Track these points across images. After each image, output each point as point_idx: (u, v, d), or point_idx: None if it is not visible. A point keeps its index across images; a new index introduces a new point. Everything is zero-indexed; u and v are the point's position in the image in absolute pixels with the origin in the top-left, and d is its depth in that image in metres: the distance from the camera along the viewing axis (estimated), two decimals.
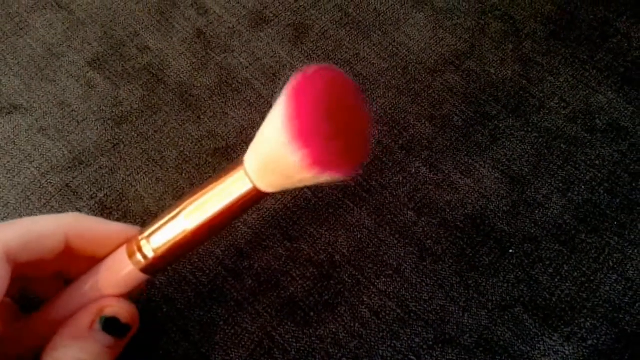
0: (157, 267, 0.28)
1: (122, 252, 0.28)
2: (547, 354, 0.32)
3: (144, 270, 0.28)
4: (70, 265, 0.29)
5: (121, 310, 0.28)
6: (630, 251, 0.35)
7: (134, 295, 0.30)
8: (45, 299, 0.30)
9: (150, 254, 0.27)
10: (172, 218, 0.27)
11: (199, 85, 0.40)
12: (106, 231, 0.29)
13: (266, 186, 0.26)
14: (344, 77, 0.26)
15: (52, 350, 0.26)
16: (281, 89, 0.38)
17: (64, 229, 0.28)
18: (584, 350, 0.32)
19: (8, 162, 0.38)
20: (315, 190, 0.37)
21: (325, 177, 0.24)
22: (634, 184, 0.37)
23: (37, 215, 0.36)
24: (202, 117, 0.39)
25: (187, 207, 0.27)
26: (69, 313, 0.28)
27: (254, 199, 0.27)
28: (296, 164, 0.23)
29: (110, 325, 0.27)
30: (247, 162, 0.26)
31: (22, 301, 0.30)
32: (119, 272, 0.28)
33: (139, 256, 0.27)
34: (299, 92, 0.24)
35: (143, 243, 0.28)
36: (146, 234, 0.28)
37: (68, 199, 0.37)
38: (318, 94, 0.24)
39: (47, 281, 0.30)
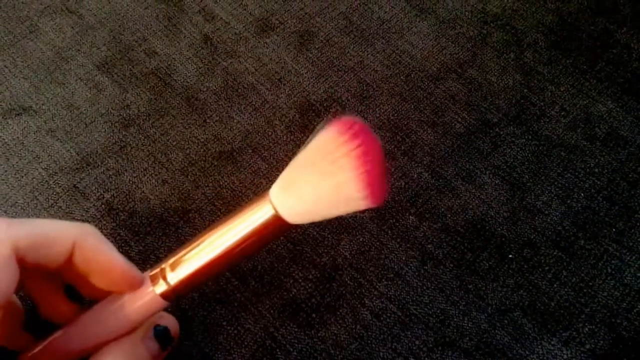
0: (178, 294, 0.29)
1: (147, 280, 0.29)
2: (545, 357, 0.33)
3: (166, 296, 0.28)
4: (77, 278, 0.29)
5: (170, 323, 0.30)
6: (628, 258, 0.35)
7: None
8: (33, 298, 0.30)
9: (174, 282, 0.28)
10: (196, 247, 0.28)
11: (205, 89, 0.41)
12: (108, 259, 0.29)
13: (291, 215, 0.26)
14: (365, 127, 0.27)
15: (100, 356, 0.28)
16: (288, 93, 0.38)
17: (72, 238, 0.27)
18: (582, 355, 0.33)
19: (17, 162, 0.38)
20: None
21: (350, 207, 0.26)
22: (632, 192, 0.37)
23: (44, 215, 0.37)
24: (207, 120, 0.40)
25: (209, 238, 0.28)
26: (96, 336, 0.29)
27: (279, 227, 0.27)
28: (354, 198, 0.25)
29: (162, 333, 0.29)
30: (272, 191, 0.27)
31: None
32: (143, 299, 0.29)
33: (162, 283, 0.28)
34: (362, 153, 0.25)
35: (167, 271, 0.28)
36: (171, 261, 0.28)
37: (75, 199, 0.37)
38: (374, 154, 0.25)
39: (39, 284, 0.30)
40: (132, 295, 0.29)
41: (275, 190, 0.26)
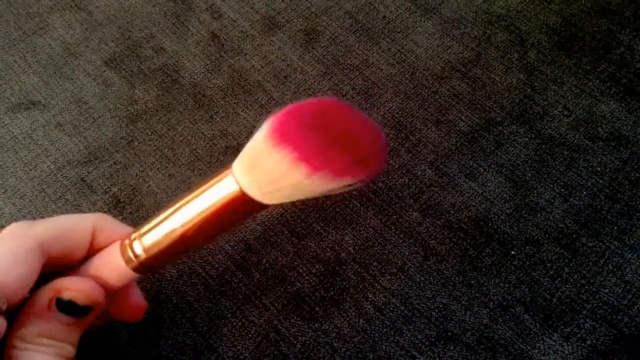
0: (146, 266, 0.28)
1: (115, 247, 0.28)
2: (546, 353, 0.33)
3: (134, 268, 0.28)
4: None
5: (78, 293, 0.27)
6: (630, 255, 0.36)
7: (127, 321, 0.31)
8: None
9: (141, 253, 0.27)
10: (163, 219, 0.27)
11: (212, 86, 0.42)
12: (125, 233, 0.30)
13: (256, 190, 0.25)
14: (347, 105, 0.25)
15: (17, 328, 0.27)
16: (294, 90, 0.39)
17: (91, 224, 0.29)
18: (583, 350, 0.33)
19: (25, 155, 0.39)
20: None
21: (296, 166, 0.23)
22: (634, 191, 0.38)
23: (52, 207, 0.37)
24: (214, 116, 0.40)
25: (176, 210, 0.27)
26: None
27: (245, 204, 0.26)
28: (280, 158, 0.23)
29: (67, 306, 0.27)
30: (234, 166, 0.26)
31: None
32: (108, 265, 0.28)
33: (129, 253, 0.28)
34: (291, 106, 0.24)
35: (135, 242, 0.28)
36: (138, 232, 0.28)
37: (83, 192, 0.38)
38: (310, 107, 0.24)
39: None
40: (100, 263, 0.29)
41: (237, 162, 0.25)
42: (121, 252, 0.28)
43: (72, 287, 0.28)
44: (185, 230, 0.27)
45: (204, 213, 0.26)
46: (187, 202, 0.27)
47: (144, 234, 0.28)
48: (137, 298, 0.31)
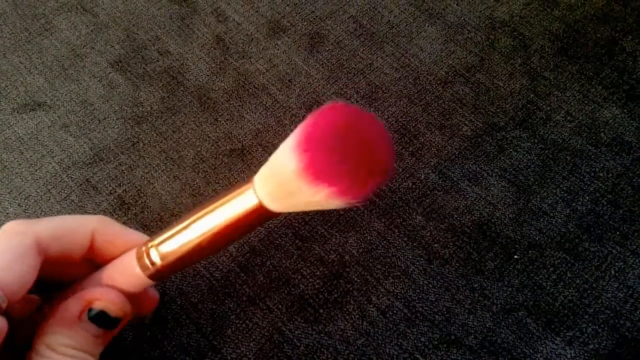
0: (162, 274, 0.28)
1: (131, 255, 0.29)
2: (549, 357, 0.33)
3: (150, 275, 0.28)
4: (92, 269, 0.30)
5: (110, 304, 0.28)
6: (632, 260, 0.36)
7: (139, 315, 0.31)
8: None
9: (157, 261, 0.28)
10: (181, 229, 0.28)
11: (217, 88, 0.42)
12: (127, 236, 0.30)
13: (269, 199, 0.26)
14: (375, 119, 0.25)
15: (44, 335, 0.27)
16: (298, 94, 0.39)
17: (91, 225, 0.29)
18: (586, 354, 0.33)
19: (31, 156, 0.39)
20: None
21: (331, 198, 0.24)
22: (636, 196, 0.38)
23: (57, 208, 0.37)
24: (219, 119, 0.41)
25: (196, 220, 0.27)
26: None
27: (261, 215, 0.27)
28: (291, 168, 0.24)
29: (99, 318, 0.27)
30: (256, 177, 0.26)
31: None
32: (124, 273, 0.29)
33: (146, 261, 0.28)
34: (318, 114, 0.24)
35: (152, 250, 0.28)
36: (156, 241, 0.28)
37: (88, 193, 0.38)
38: (336, 118, 0.24)
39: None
40: (116, 270, 0.29)
41: (258, 179, 0.26)
42: (137, 259, 0.28)
43: (104, 298, 0.28)
44: (203, 240, 0.27)
45: (223, 225, 0.27)
46: (206, 213, 0.27)
47: (162, 242, 0.28)
48: (151, 290, 0.31)
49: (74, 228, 0.28)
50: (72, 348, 0.26)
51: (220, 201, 0.27)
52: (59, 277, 0.30)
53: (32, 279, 0.26)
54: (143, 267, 0.28)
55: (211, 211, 0.27)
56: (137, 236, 0.30)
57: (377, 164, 0.25)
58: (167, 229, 0.28)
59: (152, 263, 0.28)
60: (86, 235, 0.28)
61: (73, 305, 0.27)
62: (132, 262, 0.28)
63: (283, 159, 0.24)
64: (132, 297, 0.29)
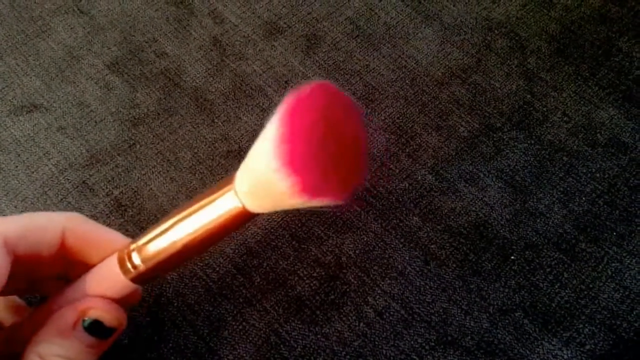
0: (145, 277, 0.28)
1: (113, 259, 0.28)
2: (546, 357, 0.33)
3: (132, 279, 0.28)
4: (71, 268, 0.30)
5: (105, 313, 0.28)
6: (628, 261, 0.36)
7: (126, 305, 0.30)
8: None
9: (139, 264, 0.27)
10: (163, 231, 0.27)
11: (213, 90, 0.42)
12: (100, 234, 0.29)
13: (256, 207, 0.25)
14: (341, 97, 0.25)
15: (36, 344, 0.26)
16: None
17: (61, 224, 0.28)
18: (582, 355, 0.33)
19: (27, 158, 0.39)
20: None
21: (315, 203, 0.24)
22: (633, 197, 0.38)
23: (53, 209, 0.37)
24: (216, 120, 0.41)
25: (177, 222, 0.27)
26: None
27: (244, 219, 0.26)
28: (285, 190, 0.23)
29: (94, 327, 0.27)
30: (237, 182, 0.25)
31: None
32: (107, 277, 0.28)
33: (128, 265, 0.27)
34: (292, 115, 0.23)
35: (133, 253, 0.28)
36: (137, 244, 0.28)
37: (84, 195, 0.38)
38: (311, 117, 0.23)
39: (53, 283, 0.31)
40: (98, 274, 0.28)
41: (239, 180, 0.25)
42: (119, 263, 0.28)
43: (99, 307, 0.27)
44: (185, 243, 0.27)
45: (205, 227, 0.26)
46: (188, 215, 0.27)
47: (143, 245, 0.27)
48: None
49: (42, 227, 0.27)
50: (65, 358, 0.26)
51: (202, 204, 0.26)
52: (34, 276, 0.30)
53: (3, 279, 0.26)
54: (125, 271, 0.27)
55: (192, 213, 0.26)
56: (109, 233, 0.29)
57: (355, 157, 0.24)
58: (148, 230, 0.28)
59: (134, 266, 0.27)
60: (56, 234, 0.28)
61: (67, 315, 0.27)
62: (114, 267, 0.28)
63: (273, 176, 0.23)
64: (117, 300, 0.29)
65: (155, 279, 0.33)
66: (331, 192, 0.23)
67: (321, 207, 0.24)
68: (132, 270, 0.27)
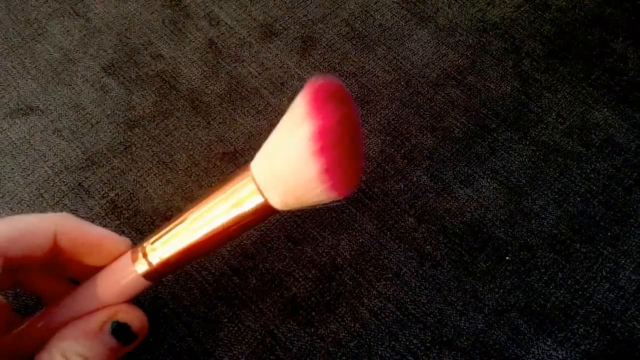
0: (161, 274, 0.28)
1: (126, 258, 0.29)
2: (540, 358, 0.33)
3: (148, 276, 0.28)
4: (63, 266, 0.30)
5: (134, 318, 0.28)
6: (623, 261, 0.36)
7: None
8: (38, 295, 0.30)
9: (156, 261, 0.28)
10: (179, 226, 0.27)
11: (209, 92, 0.42)
12: (93, 233, 0.29)
13: (280, 203, 0.25)
14: (348, 92, 0.25)
15: (59, 340, 0.27)
16: (290, 97, 0.39)
17: (53, 225, 0.28)
18: (577, 355, 0.33)
19: (23, 161, 0.39)
20: None
21: (333, 196, 0.24)
22: (627, 197, 0.38)
23: (49, 211, 0.37)
24: (211, 122, 0.41)
25: (195, 217, 0.27)
26: (72, 318, 0.28)
27: (266, 215, 0.26)
28: (320, 192, 0.23)
29: (120, 330, 0.28)
30: (259, 175, 0.25)
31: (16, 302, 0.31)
32: (123, 278, 0.29)
33: (143, 262, 0.28)
34: (322, 109, 0.23)
35: (149, 249, 0.28)
36: (152, 242, 0.28)
37: (80, 197, 0.38)
38: (340, 114, 0.23)
39: (41, 280, 0.31)
40: (113, 274, 0.29)
41: (261, 173, 0.25)
42: (133, 261, 0.28)
43: (129, 311, 0.28)
44: (203, 241, 0.27)
45: (227, 225, 0.26)
46: (206, 211, 0.27)
47: (160, 243, 0.28)
48: None
49: (33, 229, 0.27)
50: (84, 358, 0.26)
51: (223, 200, 0.26)
52: (23, 276, 0.30)
53: None
54: (140, 269, 0.28)
55: (214, 211, 0.26)
56: (101, 231, 0.30)
57: (361, 153, 0.25)
58: (161, 228, 0.28)
59: (150, 265, 0.28)
60: (47, 236, 0.28)
61: (96, 316, 0.28)
62: (129, 266, 0.28)
63: (303, 172, 0.24)
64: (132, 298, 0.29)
65: (167, 276, 0.33)
66: (350, 187, 0.24)
67: (320, 206, 0.25)
68: (147, 267, 0.28)
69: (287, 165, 0.24)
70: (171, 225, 0.28)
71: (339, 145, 0.23)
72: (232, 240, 0.28)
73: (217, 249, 0.34)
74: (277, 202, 0.25)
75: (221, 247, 0.35)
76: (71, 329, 0.27)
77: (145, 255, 0.28)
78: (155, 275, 0.28)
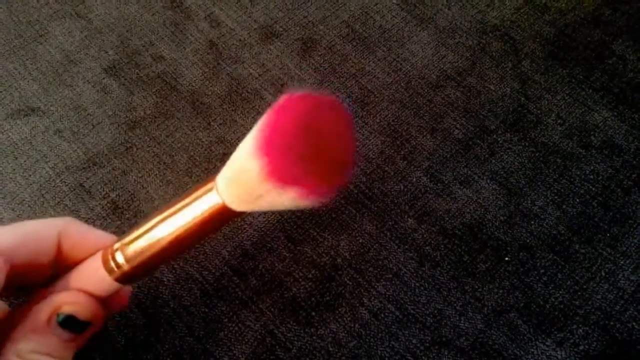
0: (129, 276, 0.28)
1: (97, 258, 0.28)
2: (540, 358, 0.33)
3: (116, 278, 0.28)
4: (66, 271, 0.30)
5: (79, 307, 0.27)
6: (622, 262, 0.36)
7: (112, 308, 0.31)
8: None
9: (123, 263, 0.27)
10: (146, 230, 0.27)
11: (210, 93, 0.42)
12: (95, 238, 0.29)
13: (234, 201, 0.25)
14: (329, 101, 0.25)
15: (13, 342, 0.26)
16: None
17: (57, 229, 0.28)
18: (576, 356, 0.33)
19: (24, 161, 0.39)
20: None
21: (291, 194, 0.24)
22: (626, 198, 0.38)
23: (51, 212, 0.37)
24: (212, 123, 0.41)
25: (160, 221, 0.27)
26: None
27: (225, 216, 0.26)
28: (255, 174, 0.23)
29: (68, 322, 0.27)
30: (218, 179, 0.26)
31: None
32: (90, 276, 0.28)
33: (112, 264, 0.28)
34: (276, 111, 0.24)
35: (117, 252, 0.28)
36: (120, 243, 0.28)
37: (81, 198, 0.38)
38: (292, 115, 0.24)
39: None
40: (85, 274, 0.28)
41: (222, 181, 0.26)
42: (103, 262, 0.28)
43: (73, 301, 0.27)
44: (168, 242, 0.27)
45: (187, 225, 0.26)
46: (170, 214, 0.27)
47: (127, 244, 0.27)
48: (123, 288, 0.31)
49: (38, 234, 0.28)
50: (42, 354, 0.26)
51: (184, 202, 0.27)
52: (31, 282, 0.29)
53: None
54: (109, 270, 0.28)
55: (175, 213, 0.27)
56: (104, 237, 0.30)
57: (339, 156, 0.24)
58: (131, 230, 0.28)
59: (118, 266, 0.27)
60: (52, 240, 0.28)
61: (41, 311, 0.27)
62: (98, 266, 0.28)
63: (246, 163, 0.24)
64: (102, 300, 0.29)
65: (140, 279, 0.33)
66: (304, 182, 0.23)
67: (308, 206, 0.24)
68: (115, 269, 0.27)
69: (236, 164, 0.25)
70: (139, 228, 0.28)
71: (292, 146, 0.23)
72: (199, 242, 0.28)
73: (184, 251, 0.33)
74: (233, 203, 0.25)
75: (188, 250, 0.35)
76: (20, 329, 0.27)
77: (113, 257, 0.28)
78: (124, 277, 0.28)
